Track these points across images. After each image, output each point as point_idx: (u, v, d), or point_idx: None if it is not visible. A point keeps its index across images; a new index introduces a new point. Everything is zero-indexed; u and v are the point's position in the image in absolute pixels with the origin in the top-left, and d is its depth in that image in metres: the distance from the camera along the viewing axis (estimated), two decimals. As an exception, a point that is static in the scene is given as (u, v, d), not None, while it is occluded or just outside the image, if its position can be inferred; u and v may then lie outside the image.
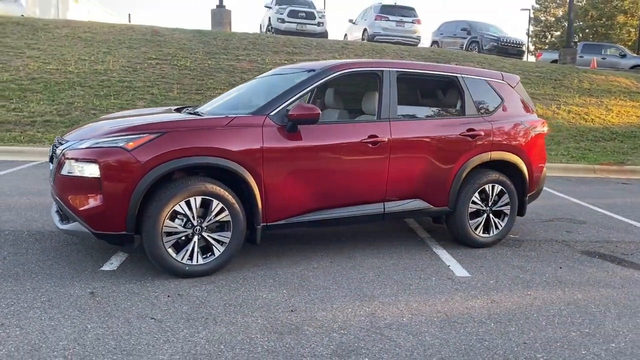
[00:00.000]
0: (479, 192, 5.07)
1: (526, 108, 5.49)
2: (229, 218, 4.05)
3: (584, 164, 11.16)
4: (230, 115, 4.21)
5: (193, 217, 3.94)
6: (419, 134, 4.78)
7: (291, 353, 2.98)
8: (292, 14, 17.95)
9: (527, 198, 5.41)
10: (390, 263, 4.59)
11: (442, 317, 3.55)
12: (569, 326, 3.53)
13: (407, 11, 18.97)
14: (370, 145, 4.51)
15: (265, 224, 4.22)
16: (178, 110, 4.96)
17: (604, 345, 3.28)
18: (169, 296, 3.67)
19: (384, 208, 4.69)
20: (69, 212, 3.91)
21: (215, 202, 3.98)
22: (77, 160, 3.83)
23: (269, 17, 18.75)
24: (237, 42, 15.72)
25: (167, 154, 3.82)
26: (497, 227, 5.22)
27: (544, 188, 8.74)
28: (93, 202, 3.78)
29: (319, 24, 18.25)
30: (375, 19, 18.48)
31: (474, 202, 5.07)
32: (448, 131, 4.92)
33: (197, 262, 4.00)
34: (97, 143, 3.85)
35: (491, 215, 5.18)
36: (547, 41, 52.97)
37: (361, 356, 2.99)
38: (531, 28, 52.42)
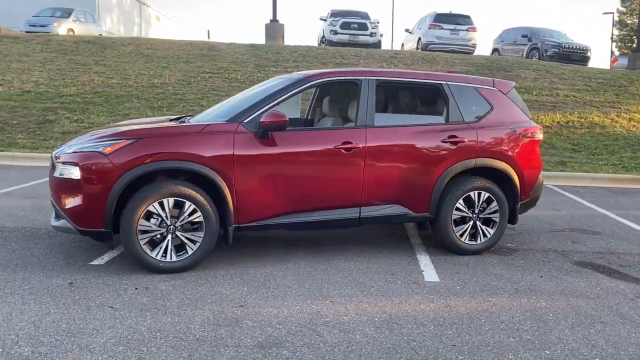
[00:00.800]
0: (464, 199, 5.06)
1: (520, 114, 5.41)
2: (201, 219, 4.34)
3: (634, 174, 10.56)
4: (203, 123, 4.52)
5: (166, 217, 4.27)
6: (396, 141, 4.87)
7: (218, 342, 3.20)
8: (345, 25, 18.25)
9: (519, 206, 5.32)
10: (364, 267, 4.70)
11: (384, 318, 3.64)
12: (512, 332, 3.50)
13: (463, 19, 18.72)
14: (343, 152, 4.66)
15: (237, 225, 4.48)
16: (176, 120, 5.34)
17: (537, 352, 3.24)
18: (136, 288, 4.00)
19: (360, 213, 4.81)
20: (59, 211, 4.36)
21: (187, 203, 4.29)
22: (64, 163, 4.28)
23: (323, 30, 19.15)
24: (287, 55, 16.21)
25: (139, 158, 4.18)
26: (485, 235, 5.17)
27: (573, 197, 8.43)
28: (75, 201, 4.21)
29: (371, 35, 18.42)
30: (429, 28, 18.39)
31: (458, 209, 5.06)
32: (427, 138, 4.96)
33: (170, 259, 4.32)
34: (81, 148, 4.28)
35: (478, 223, 5.14)
36: (632, 45, 49.86)
37: (283, 349, 3.16)
38: (615, 32, 49.63)
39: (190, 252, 4.36)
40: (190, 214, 4.31)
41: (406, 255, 5.09)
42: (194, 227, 4.38)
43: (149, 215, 4.24)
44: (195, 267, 4.42)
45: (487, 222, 5.20)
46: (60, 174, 4.32)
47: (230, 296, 3.92)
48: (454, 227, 5.07)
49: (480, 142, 5.07)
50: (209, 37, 40.93)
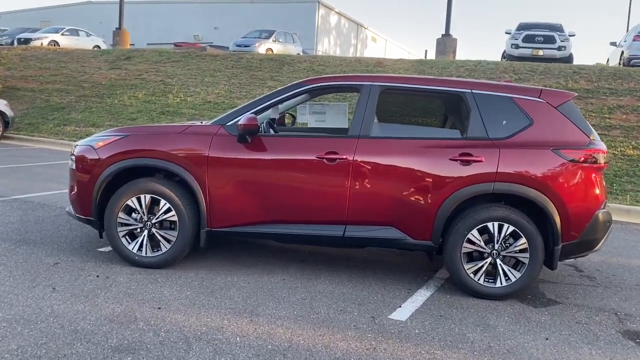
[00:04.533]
0: (478, 230, 4.19)
1: (574, 133, 4.28)
2: (175, 218, 4.40)
3: None
4: (189, 124, 4.57)
5: (143, 212, 4.43)
6: (392, 155, 4.27)
7: (85, 337, 3.19)
8: (528, 38, 16.60)
9: (562, 247, 4.19)
10: (341, 291, 4.21)
11: (277, 348, 3.21)
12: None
13: (681, 28, 15.46)
14: (326, 162, 4.26)
15: (209, 229, 4.42)
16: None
17: None
18: (97, 276, 4.23)
19: (345, 232, 4.33)
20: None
21: (163, 201, 4.39)
22: (72, 154, 4.74)
23: (506, 44, 17.71)
24: (453, 70, 15.41)
25: (121, 154, 4.42)
26: (507, 278, 4.20)
27: None
28: (73, 189, 4.63)
29: (559, 48, 16.41)
30: (634, 40, 15.64)
31: (470, 241, 4.21)
32: (432, 154, 4.24)
33: (146, 254, 4.46)
34: (85, 142, 4.70)
35: (498, 261, 4.20)
36: None
37: (132, 354, 3.01)
38: None
39: (164, 249, 4.45)
40: (166, 212, 4.40)
41: (407, 286, 4.41)
42: (170, 225, 4.46)
43: (129, 210, 4.45)
44: (170, 265, 4.49)
45: (513, 262, 4.22)
46: (70, 166, 4.80)
47: (165, 298, 3.88)
48: (464, 263, 4.23)
49: (503, 163, 4.15)
50: (425, 57, 41.16)
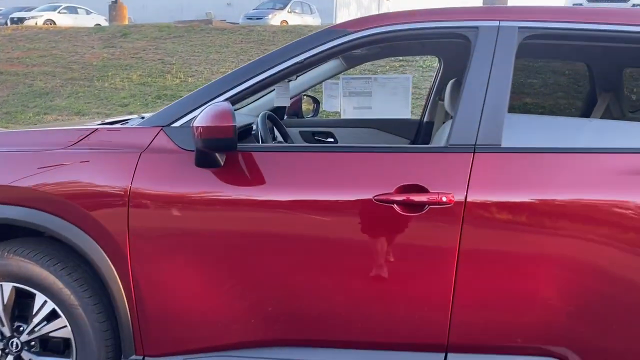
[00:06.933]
0: None
1: None
2: (68, 333, 2.01)
3: None
4: (94, 127, 2.13)
5: (0, 320, 2.05)
6: (562, 190, 1.80)
7: None
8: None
9: None
10: None
11: None
12: None
13: None
14: (399, 211, 1.80)
15: (141, 357, 2.01)
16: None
17: None
18: None
19: (446, 368, 1.88)
20: None
21: (39, 298, 2.00)
22: None
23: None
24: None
25: None
26: None
27: None
28: None
29: None
30: None
31: None
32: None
33: (12, 406, 2.08)
34: None
35: None
36: None
37: None
38: None
39: (47, 399, 2.07)
40: (47, 320, 2.01)
41: None
42: (59, 348, 2.07)
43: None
44: None
45: None
46: None
47: None
48: None
49: None
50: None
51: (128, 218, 1.90)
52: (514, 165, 1.84)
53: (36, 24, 22.34)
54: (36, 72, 15.59)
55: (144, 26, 18.42)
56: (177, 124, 1.99)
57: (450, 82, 2.61)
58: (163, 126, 1.99)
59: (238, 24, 19.61)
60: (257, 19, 19.62)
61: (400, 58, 10.36)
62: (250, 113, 3.12)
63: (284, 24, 19.78)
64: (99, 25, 23.66)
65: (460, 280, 1.81)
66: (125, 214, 1.90)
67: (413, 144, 3.29)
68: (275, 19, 19.68)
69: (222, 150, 1.82)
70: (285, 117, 3.50)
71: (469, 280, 1.82)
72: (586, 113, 2.99)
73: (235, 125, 1.74)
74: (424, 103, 3.62)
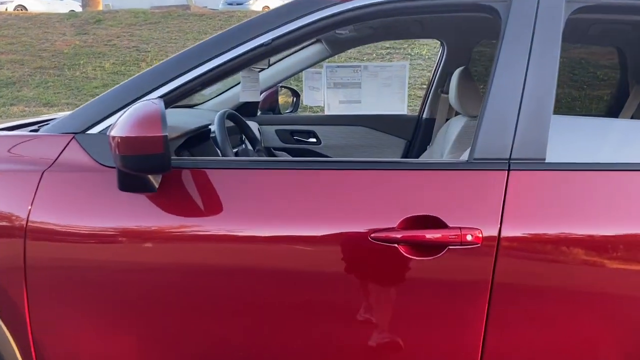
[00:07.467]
0: None
1: None
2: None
3: None
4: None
5: None
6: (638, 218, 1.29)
7: None
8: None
9: None
10: None
11: None
12: None
13: None
14: (405, 254, 1.28)
15: None
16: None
17: None
18: None
19: None
20: None
21: None
22: None
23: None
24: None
25: None
26: None
27: None
28: None
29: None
30: None
31: None
32: None
33: None
34: None
35: None
36: None
37: None
38: None
39: None
40: None
41: None
42: None
43: None
44: None
45: None
46: None
47: None
48: None
49: None
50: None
51: (25, 263, 1.35)
52: (564, 188, 1.32)
53: (6, 9, 21.35)
54: (3, 60, 14.76)
55: (119, 12, 17.62)
56: (94, 130, 1.43)
57: (457, 70, 2.10)
58: (76, 133, 1.43)
59: (218, 9, 18.92)
60: (238, 4, 18.95)
61: (387, 44, 9.79)
62: (215, 109, 2.58)
63: (266, 9, 19.11)
64: (73, 11, 22.72)
65: (492, 330, 1.29)
66: (22, 258, 1.35)
67: (411, 144, 2.78)
68: (257, 4, 19.02)
69: (150, 172, 1.27)
70: (259, 112, 2.96)
71: (507, 322, 1.31)
72: (616, 108, 2.50)
73: (166, 136, 1.20)
74: (422, 96, 3.09)
